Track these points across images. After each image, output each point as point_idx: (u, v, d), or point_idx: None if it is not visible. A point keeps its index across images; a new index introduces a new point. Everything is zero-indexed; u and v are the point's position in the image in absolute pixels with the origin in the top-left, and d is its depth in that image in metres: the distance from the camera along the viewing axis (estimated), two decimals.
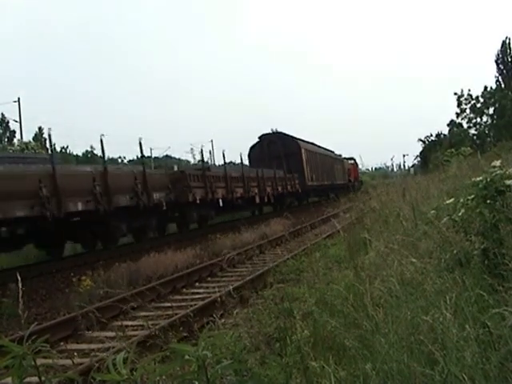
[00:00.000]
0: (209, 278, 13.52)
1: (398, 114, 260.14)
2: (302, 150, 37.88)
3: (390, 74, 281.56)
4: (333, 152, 52.74)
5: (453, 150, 17.53)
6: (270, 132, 39.74)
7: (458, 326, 3.29)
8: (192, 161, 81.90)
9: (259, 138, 38.71)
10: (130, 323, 9.14)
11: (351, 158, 61.28)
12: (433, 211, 7.05)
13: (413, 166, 79.91)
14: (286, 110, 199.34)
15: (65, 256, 18.39)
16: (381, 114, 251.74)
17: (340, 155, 56.77)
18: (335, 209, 20.94)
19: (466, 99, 65.07)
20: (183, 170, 22.68)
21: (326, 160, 45.80)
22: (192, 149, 79.83)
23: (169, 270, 14.11)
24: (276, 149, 35.63)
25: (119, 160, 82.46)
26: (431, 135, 69.52)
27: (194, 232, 23.94)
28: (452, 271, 4.73)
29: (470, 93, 65.07)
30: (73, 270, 14.25)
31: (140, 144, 19.57)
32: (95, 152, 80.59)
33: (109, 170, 17.43)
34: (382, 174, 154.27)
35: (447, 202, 6.58)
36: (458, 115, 65.83)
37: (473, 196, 5.60)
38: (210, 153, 74.32)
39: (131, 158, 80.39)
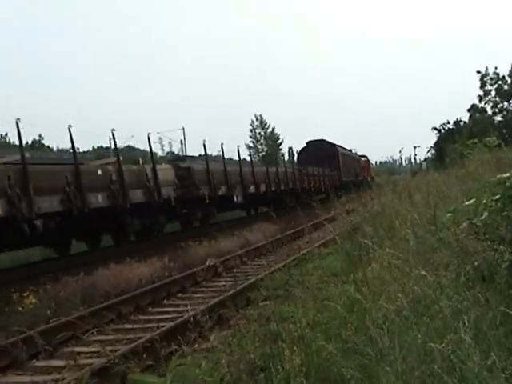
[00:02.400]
0: (180, 294, 13.49)
1: (408, 98, 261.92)
2: (339, 154, 56.22)
3: (397, 48, 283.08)
4: (351, 151, 70.08)
5: (474, 140, 17.39)
6: (315, 139, 57.39)
7: (481, 353, 3.28)
8: (160, 153, 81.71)
9: (307, 143, 57.02)
10: (83, 349, 9.05)
11: (364, 156, 76.24)
12: (449, 214, 7.08)
13: (425, 159, 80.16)
14: (270, 96, 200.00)
15: (3, 268, 18.26)
16: (386, 99, 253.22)
17: (356, 153, 73.23)
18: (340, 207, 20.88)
19: (491, 79, 63.06)
20: (189, 166, 25.82)
21: (351, 160, 64.26)
22: (160, 138, 79.76)
23: (131, 284, 14.05)
24: (320, 152, 52.18)
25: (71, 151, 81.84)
26: (448, 123, 68.13)
27: (162, 239, 23.88)
28: (473, 287, 4.77)
29: (497, 71, 62.82)
30: (13, 285, 14.07)
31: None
32: (43, 142, 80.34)
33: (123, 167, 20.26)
34: (388, 169, 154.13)
35: (467, 203, 6.59)
36: (480, 98, 64.04)
37: (498, 196, 5.61)
38: (182, 143, 74.25)
39: (86, 149, 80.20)
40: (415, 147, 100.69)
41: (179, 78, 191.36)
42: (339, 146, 59.34)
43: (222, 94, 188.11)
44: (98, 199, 18.47)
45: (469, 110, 65.79)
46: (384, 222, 11.07)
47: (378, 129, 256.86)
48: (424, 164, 77.24)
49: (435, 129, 69.47)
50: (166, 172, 23.32)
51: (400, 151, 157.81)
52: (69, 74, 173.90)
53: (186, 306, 11.19)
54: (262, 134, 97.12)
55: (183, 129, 74.43)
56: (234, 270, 15.37)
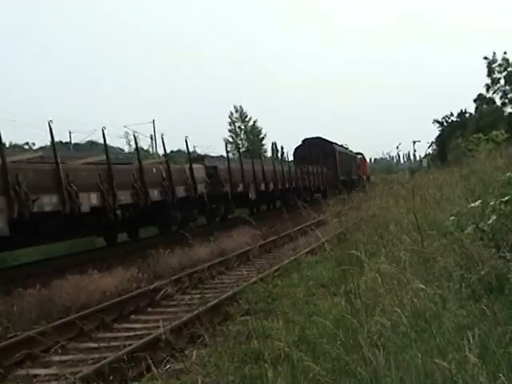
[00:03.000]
0: (149, 309, 13.43)
1: (407, 88, 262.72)
2: (336, 152, 60.47)
3: (394, 34, 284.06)
4: (347, 148, 73.73)
5: (480, 134, 17.29)
6: (311, 137, 61.45)
7: (488, 374, 3.28)
8: (126, 149, 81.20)
9: (302, 141, 60.87)
10: (40, 372, 9.00)
11: (359, 153, 78.89)
12: (452, 218, 7.15)
13: (426, 156, 79.93)
14: (249, 86, 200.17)
15: None
16: (382, 89, 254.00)
17: (351, 150, 75.64)
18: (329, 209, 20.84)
19: (499, 65, 62.22)
20: (216, 166, 31.66)
21: (347, 158, 67.33)
22: (127, 132, 79.14)
23: (94, 297, 13.97)
24: (316, 150, 55.56)
25: (26, 147, 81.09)
26: (452, 115, 68.07)
27: (128, 246, 23.82)
28: (479, 299, 4.84)
29: (506, 57, 61.80)
30: None
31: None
32: None
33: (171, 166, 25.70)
34: (385, 167, 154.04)
35: (472, 205, 6.65)
36: (488, 88, 63.45)
37: (508, 198, 5.62)
38: (152, 138, 73.64)
39: (42, 145, 79.39)
40: (414, 142, 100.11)
41: (143, 64, 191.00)
42: (336, 144, 63.39)
43: (196, 85, 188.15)
44: (155, 194, 23.74)
45: (475, 101, 64.98)
46: (378, 227, 11.12)
47: (372, 122, 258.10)
48: (425, 161, 76.66)
49: (437, 122, 69.12)
50: (199, 171, 28.66)
51: (397, 147, 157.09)
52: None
53: (156, 321, 11.19)
54: (243, 127, 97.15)
55: (153, 122, 73.73)
56: (211, 281, 15.34)
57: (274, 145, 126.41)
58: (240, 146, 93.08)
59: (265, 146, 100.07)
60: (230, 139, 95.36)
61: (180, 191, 25.86)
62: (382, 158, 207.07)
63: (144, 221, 25.49)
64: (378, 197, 17.39)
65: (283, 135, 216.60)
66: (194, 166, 28.64)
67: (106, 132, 21.73)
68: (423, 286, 5.01)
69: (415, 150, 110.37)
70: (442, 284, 5.60)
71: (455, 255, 6.43)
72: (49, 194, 17.96)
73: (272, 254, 19.73)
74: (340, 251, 9.94)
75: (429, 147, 74.95)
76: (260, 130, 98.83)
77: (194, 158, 32.93)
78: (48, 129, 18.70)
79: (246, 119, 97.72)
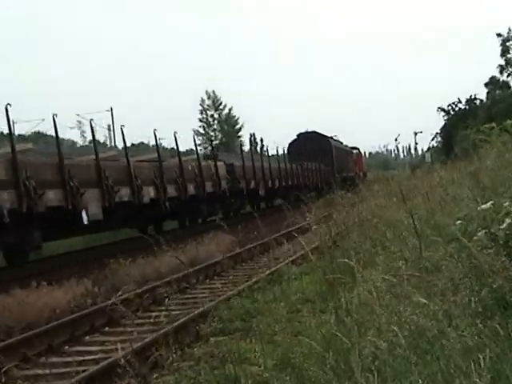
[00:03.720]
0: (106, 328, 13.38)
1: (407, 72, 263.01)
2: (333, 148, 64.93)
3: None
4: (342, 143, 77.68)
5: (493, 124, 17.17)
6: (307, 131, 66.63)
7: None
8: (81, 141, 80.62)
9: (297, 135, 65.87)
10: None
11: (355, 148, 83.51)
12: (459, 222, 7.22)
13: (429, 149, 79.94)
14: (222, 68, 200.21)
15: None
16: (377, 73, 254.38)
17: (347, 146, 79.78)
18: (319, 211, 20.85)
19: None
20: (232, 163, 37.67)
21: (344, 154, 72.74)
22: (80, 122, 78.46)
23: (42, 316, 13.87)
24: (311, 145, 60.08)
25: None
26: (459, 101, 67.41)
27: (83, 255, 23.72)
28: (490, 316, 4.80)
29: None
30: None
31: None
32: None
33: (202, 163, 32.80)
34: (382, 162, 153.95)
35: (482, 207, 6.73)
36: (502, 69, 63.69)
37: None
38: (110, 128, 73.08)
39: None
40: (416, 134, 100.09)
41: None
42: (332, 139, 69.29)
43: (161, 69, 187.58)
44: (191, 189, 30.25)
45: (486, 85, 64.83)
46: (374, 232, 11.11)
47: (366, 111, 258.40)
48: (427, 155, 77.53)
49: (442, 110, 68.76)
50: (221, 168, 35.11)
51: (396, 139, 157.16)
52: None
53: (114, 343, 11.08)
54: (216, 116, 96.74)
55: (111, 110, 73.13)
56: (179, 296, 15.29)
57: (252, 136, 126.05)
58: (213, 138, 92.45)
59: (241, 139, 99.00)
60: (202, 130, 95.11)
61: (208, 186, 32.44)
62: (378, 152, 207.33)
63: (167, 215, 30.17)
64: (373, 197, 17.30)
65: (264, 126, 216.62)
66: (218, 163, 35.03)
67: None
68: (425, 301, 5.09)
69: (417, 143, 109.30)
70: (448, 298, 5.56)
71: (462, 265, 6.37)
72: (125, 187, 24.38)
73: (250, 264, 19.72)
74: (329, 260, 10.04)
75: (432, 139, 74.97)
76: (237, 120, 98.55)
77: (207, 155, 40.35)
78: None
79: (220, 107, 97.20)
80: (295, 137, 66.82)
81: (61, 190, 20.95)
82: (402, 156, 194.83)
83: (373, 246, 10.31)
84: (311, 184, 52.82)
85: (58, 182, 20.69)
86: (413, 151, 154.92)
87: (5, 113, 19.08)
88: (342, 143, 77.53)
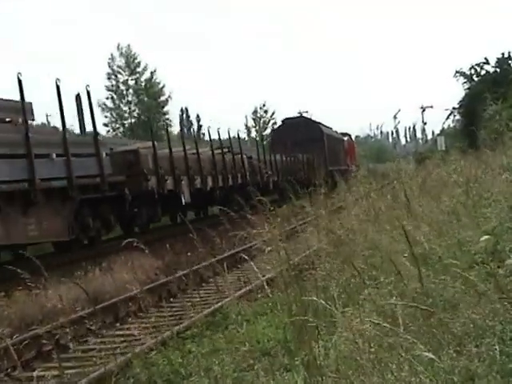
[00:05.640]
0: None
1: (413, 28, 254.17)
2: (325, 136, 59.31)
3: None
4: (331, 129, 69.19)
5: None
6: (293, 116, 64.45)
7: None
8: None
9: (282, 121, 62.41)
10: None
11: (346, 134, 74.22)
12: (485, 237, 6.86)
13: (443, 131, 65.63)
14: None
15: None
16: (371, 28, 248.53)
17: (336, 131, 71.17)
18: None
19: None
20: (251, 155, 41.20)
21: (336, 143, 66.54)
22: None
23: None
24: (299, 133, 54.36)
25: None
26: (487, 62, 52.16)
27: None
28: None
29: None
30: None
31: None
32: None
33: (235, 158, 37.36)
34: (375, 150, 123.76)
35: None
36: None
37: None
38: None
39: None
40: (424, 109, 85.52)
41: None
42: (323, 125, 62.80)
43: None
44: (230, 180, 35.15)
45: None
46: (357, 256, 9.56)
47: (352, 78, 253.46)
48: (441, 140, 59.90)
49: (462, 75, 53.00)
50: (246, 160, 39.02)
51: (395, 117, 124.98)
52: None
53: None
54: (131, 82, 79.82)
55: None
56: (77, 348, 12.10)
57: (183, 112, 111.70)
58: (126, 114, 76.79)
59: (168, 115, 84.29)
60: (109, 103, 78.69)
61: (239, 178, 37.28)
62: (369, 136, 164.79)
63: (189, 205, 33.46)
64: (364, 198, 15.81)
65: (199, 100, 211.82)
66: (244, 156, 39.27)
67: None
68: (432, 356, 4.54)
69: (425, 123, 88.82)
70: (469, 350, 4.96)
71: (490, 301, 5.68)
72: (197, 176, 30.82)
73: (181, 300, 15.11)
74: (295, 296, 7.97)
75: (447, 117, 59.34)
76: (161, 89, 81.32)
77: (221, 147, 38.85)
78: None
79: (138, 69, 79.27)
80: (280, 123, 63.92)
81: (172, 177, 28.74)
82: (403, 141, 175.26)
83: (357, 274, 8.33)
84: (305, 180, 42.35)
85: (170, 171, 28.32)
86: (419, 134, 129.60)
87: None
88: (330, 128, 68.06)
